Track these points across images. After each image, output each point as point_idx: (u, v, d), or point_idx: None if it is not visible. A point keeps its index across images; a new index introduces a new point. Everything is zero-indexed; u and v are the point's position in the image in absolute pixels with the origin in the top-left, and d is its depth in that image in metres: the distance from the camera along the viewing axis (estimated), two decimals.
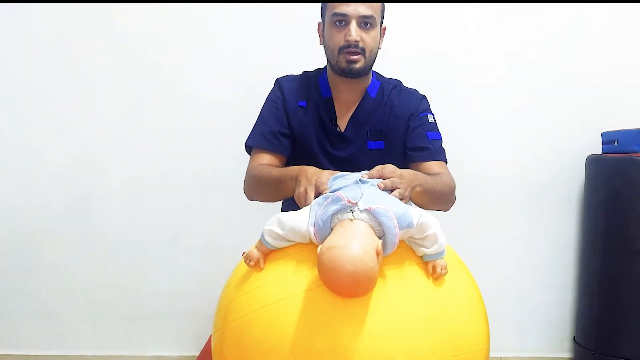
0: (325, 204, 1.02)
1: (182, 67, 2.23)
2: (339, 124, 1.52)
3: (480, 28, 2.20)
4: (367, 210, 0.99)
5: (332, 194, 1.04)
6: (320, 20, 1.49)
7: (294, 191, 1.23)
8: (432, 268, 1.02)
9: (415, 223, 1.00)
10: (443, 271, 1.02)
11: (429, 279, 1.02)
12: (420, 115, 1.52)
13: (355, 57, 1.40)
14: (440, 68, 2.20)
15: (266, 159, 1.49)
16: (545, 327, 2.29)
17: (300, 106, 1.52)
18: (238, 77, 2.22)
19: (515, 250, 2.27)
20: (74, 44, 2.23)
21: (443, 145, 1.53)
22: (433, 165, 1.46)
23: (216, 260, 2.18)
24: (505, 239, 2.26)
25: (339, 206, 1.00)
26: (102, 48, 2.23)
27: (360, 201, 1.00)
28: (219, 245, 2.23)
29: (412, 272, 1.02)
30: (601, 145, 2.13)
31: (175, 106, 2.24)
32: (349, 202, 1.00)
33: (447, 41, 2.20)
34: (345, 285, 0.92)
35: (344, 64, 1.42)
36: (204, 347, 1.55)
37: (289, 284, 1.00)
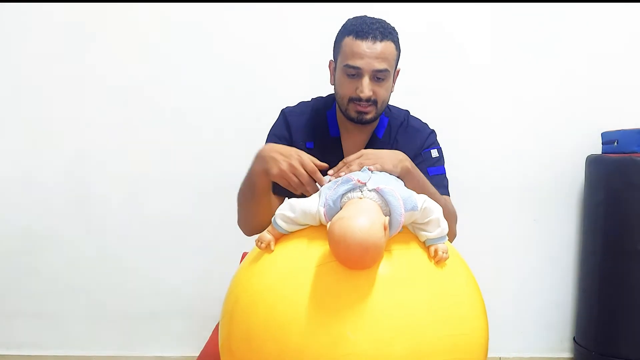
0: (335, 186, 1.07)
1: (183, 66, 2.23)
2: None
3: (480, 27, 2.20)
4: (376, 190, 1.04)
5: (342, 177, 1.10)
6: (332, 59, 1.44)
7: (266, 174, 1.22)
8: (434, 251, 1.06)
9: (419, 206, 1.05)
10: (445, 255, 1.05)
11: (431, 261, 1.05)
12: (423, 152, 1.49)
13: (367, 109, 1.36)
14: (440, 68, 2.20)
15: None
16: (545, 327, 2.29)
17: (308, 148, 1.47)
18: (239, 78, 2.22)
19: (515, 250, 2.27)
20: (74, 44, 2.23)
21: (448, 174, 1.50)
22: None
23: (217, 260, 2.18)
24: (506, 239, 2.26)
25: (349, 186, 1.05)
26: (102, 48, 2.23)
27: (369, 182, 1.06)
28: (220, 245, 2.23)
29: (416, 255, 1.06)
30: (601, 145, 2.13)
31: (176, 106, 2.25)
32: (359, 181, 1.05)
33: (447, 40, 2.20)
34: (354, 253, 0.96)
35: (353, 114, 1.38)
36: (204, 347, 1.55)
37: (296, 263, 1.03)
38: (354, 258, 0.97)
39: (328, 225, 0.99)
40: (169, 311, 2.30)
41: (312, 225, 1.08)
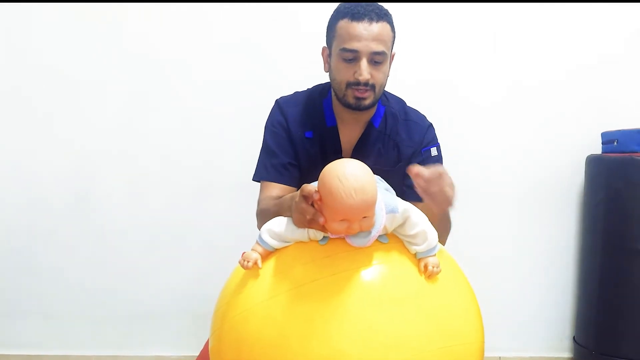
0: None
1: (182, 67, 2.23)
2: (343, 157, 1.46)
3: (480, 27, 2.20)
4: None
5: None
6: (325, 46, 1.42)
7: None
8: (424, 266, 1.05)
9: (399, 210, 1.04)
10: (435, 269, 1.04)
11: (421, 276, 1.04)
12: (423, 150, 1.47)
13: (365, 94, 1.33)
14: (440, 67, 2.20)
15: (275, 191, 1.41)
16: (545, 327, 2.29)
17: (307, 137, 1.46)
18: (238, 77, 2.22)
19: (515, 250, 2.27)
20: (74, 44, 2.23)
21: None
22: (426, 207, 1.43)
23: (216, 261, 2.18)
24: (505, 239, 2.26)
25: None
26: (102, 48, 2.23)
27: None
28: (219, 245, 2.23)
29: (405, 268, 1.05)
30: (601, 145, 2.13)
31: (176, 106, 2.24)
32: None
33: (448, 39, 2.20)
34: (351, 190, 0.95)
35: (351, 100, 1.35)
36: (204, 347, 1.55)
37: (285, 280, 1.01)
38: (350, 197, 0.94)
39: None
40: (168, 311, 2.30)
41: (298, 243, 1.07)
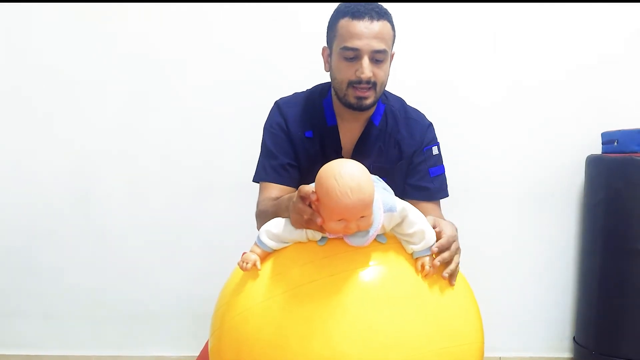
0: None
1: (182, 66, 2.23)
2: (344, 156, 1.47)
3: (480, 27, 2.20)
4: None
5: None
6: (326, 46, 1.42)
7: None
8: (421, 265, 1.05)
9: (397, 208, 1.04)
10: (432, 269, 1.04)
11: (418, 275, 1.04)
12: (425, 149, 1.48)
13: (367, 93, 1.34)
14: (440, 67, 2.20)
15: (275, 192, 1.41)
16: (545, 327, 2.29)
17: (307, 137, 1.46)
18: (238, 77, 2.22)
19: (515, 250, 2.27)
20: (74, 44, 2.23)
21: (446, 173, 1.50)
22: (428, 206, 1.43)
23: (216, 261, 2.18)
24: (505, 239, 2.26)
25: None
26: (102, 48, 2.23)
27: None
28: (219, 245, 2.23)
29: (404, 268, 1.05)
30: (601, 145, 2.13)
31: (176, 106, 2.24)
32: None
33: (448, 39, 2.20)
34: (348, 189, 0.95)
35: (352, 100, 1.35)
36: (204, 347, 1.55)
37: (284, 280, 1.02)
38: (347, 196, 0.94)
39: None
40: (168, 311, 2.30)
41: (297, 244, 1.07)
